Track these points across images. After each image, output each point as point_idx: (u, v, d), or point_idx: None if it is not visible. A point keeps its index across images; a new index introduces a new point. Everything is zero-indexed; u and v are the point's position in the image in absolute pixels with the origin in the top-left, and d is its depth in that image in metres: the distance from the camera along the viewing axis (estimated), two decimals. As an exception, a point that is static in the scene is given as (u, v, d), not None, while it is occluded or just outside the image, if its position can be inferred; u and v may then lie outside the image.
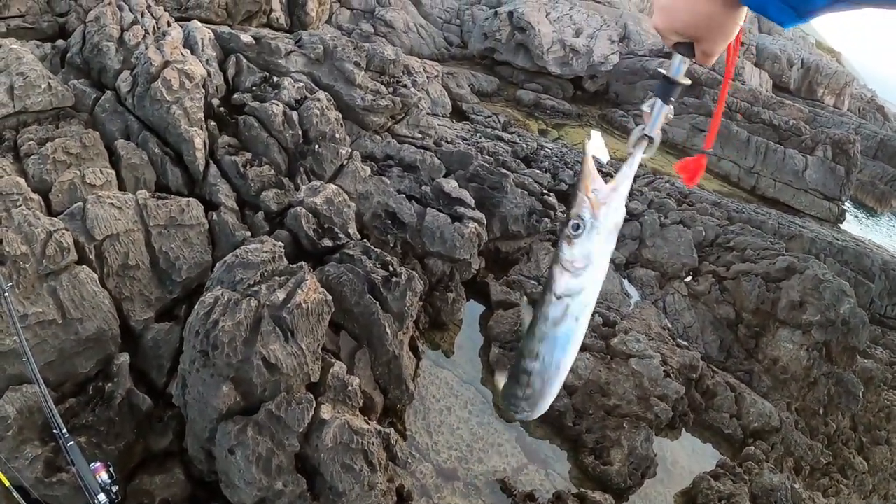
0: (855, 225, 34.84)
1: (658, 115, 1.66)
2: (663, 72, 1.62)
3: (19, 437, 7.26)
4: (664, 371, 12.02)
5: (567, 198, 18.17)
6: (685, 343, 14.19)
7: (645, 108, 1.68)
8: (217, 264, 8.85)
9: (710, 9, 1.38)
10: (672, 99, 1.64)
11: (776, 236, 18.99)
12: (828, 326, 14.27)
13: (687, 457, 12.13)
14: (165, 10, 14.36)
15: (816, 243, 19.27)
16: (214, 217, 10.55)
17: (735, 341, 15.06)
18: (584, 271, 1.74)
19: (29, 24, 17.02)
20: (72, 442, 6.05)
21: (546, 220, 15.44)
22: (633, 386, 11.65)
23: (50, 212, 9.21)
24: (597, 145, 1.76)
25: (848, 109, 48.77)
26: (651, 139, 1.68)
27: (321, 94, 13.68)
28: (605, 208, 1.68)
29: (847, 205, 32.29)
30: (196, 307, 7.91)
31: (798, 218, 26.59)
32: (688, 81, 1.63)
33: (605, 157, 1.75)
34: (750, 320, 15.11)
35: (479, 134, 20.83)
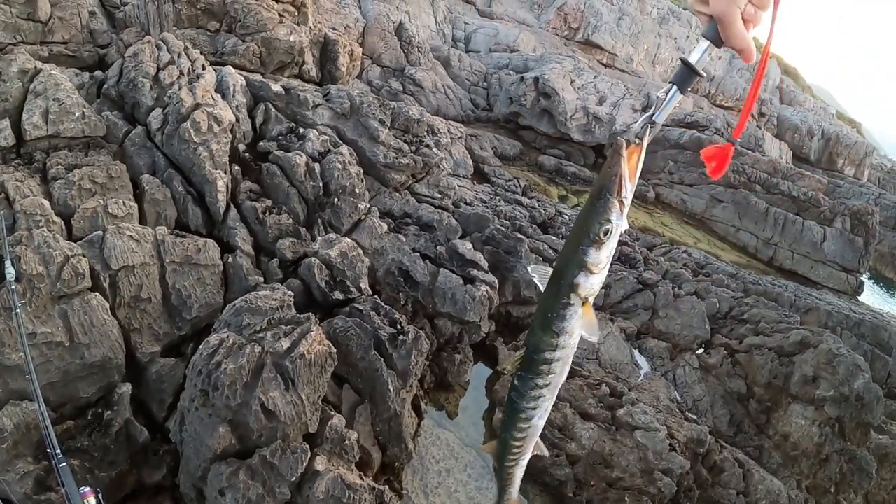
0: (873, 296, 34.33)
1: (670, 102, 1.71)
2: (686, 57, 1.66)
3: (13, 452, 7.31)
4: (670, 444, 11.74)
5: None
6: (694, 416, 13.89)
7: (660, 94, 1.72)
8: (227, 307, 8.94)
9: None
10: (687, 89, 1.69)
11: (792, 309, 18.74)
12: (841, 402, 13.91)
13: (690, 535, 11.74)
14: (202, 54, 14.90)
15: (833, 316, 18.96)
16: (230, 259, 10.72)
17: (746, 416, 14.72)
18: (604, 270, 1.85)
19: (70, 52, 17.70)
20: (64, 463, 6.07)
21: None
22: (636, 458, 11.39)
23: (70, 236, 9.47)
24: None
25: (868, 179, 48.74)
26: (655, 124, 1.74)
27: (344, 149, 13.98)
28: (626, 210, 1.79)
29: (865, 276, 31.88)
30: (201, 347, 7.97)
31: (815, 290, 26.27)
32: (704, 74, 1.69)
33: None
34: (762, 395, 14.80)
35: (498, 197, 21.00)
